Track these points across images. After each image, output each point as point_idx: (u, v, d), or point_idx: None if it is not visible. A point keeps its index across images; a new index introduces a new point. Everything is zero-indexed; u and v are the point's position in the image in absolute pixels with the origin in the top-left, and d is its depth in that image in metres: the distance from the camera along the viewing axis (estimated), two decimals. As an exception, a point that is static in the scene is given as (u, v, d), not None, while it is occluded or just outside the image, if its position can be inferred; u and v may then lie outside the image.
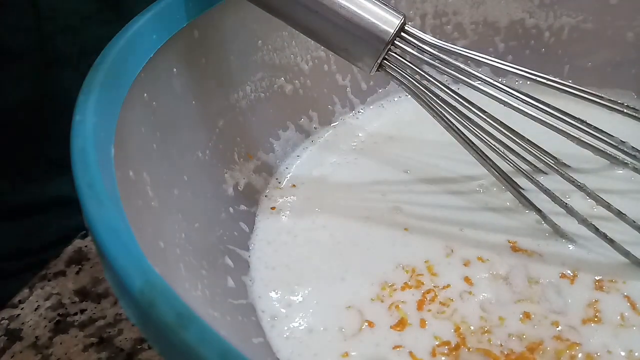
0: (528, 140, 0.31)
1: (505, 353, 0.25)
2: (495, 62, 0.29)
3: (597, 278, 0.28)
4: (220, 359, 0.13)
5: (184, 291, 0.22)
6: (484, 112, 0.29)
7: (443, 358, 0.25)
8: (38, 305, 0.33)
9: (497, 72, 0.32)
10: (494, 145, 0.31)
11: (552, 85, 0.30)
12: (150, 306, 0.15)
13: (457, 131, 0.29)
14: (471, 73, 0.28)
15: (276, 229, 0.32)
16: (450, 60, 0.28)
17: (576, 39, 0.41)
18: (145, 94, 0.25)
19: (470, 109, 0.29)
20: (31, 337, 0.31)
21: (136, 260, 0.16)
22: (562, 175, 0.29)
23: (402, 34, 0.27)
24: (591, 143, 0.30)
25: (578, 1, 0.40)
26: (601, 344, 0.25)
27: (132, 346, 0.30)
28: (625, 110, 0.31)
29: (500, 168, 0.30)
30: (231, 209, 0.31)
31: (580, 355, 0.24)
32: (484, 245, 0.30)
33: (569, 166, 0.34)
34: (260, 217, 0.33)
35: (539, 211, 0.30)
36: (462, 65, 0.28)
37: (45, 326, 0.31)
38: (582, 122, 0.30)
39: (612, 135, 0.30)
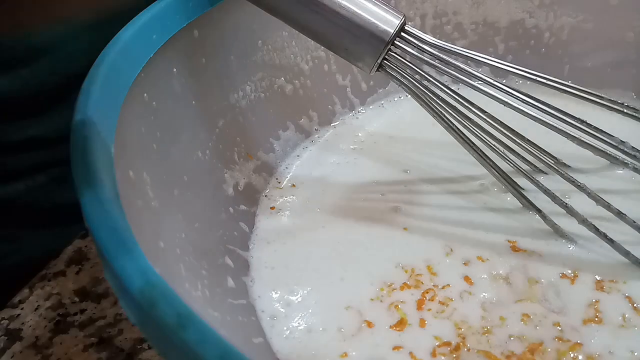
0: (528, 140, 0.31)
1: (506, 354, 0.25)
2: (495, 62, 0.29)
3: (597, 278, 0.28)
4: (220, 359, 0.13)
5: (184, 291, 0.22)
6: (484, 112, 0.29)
7: (443, 358, 0.25)
8: (38, 305, 0.33)
9: (497, 72, 0.32)
10: (494, 145, 0.31)
11: (552, 85, 0.30)
12: (150, 306, 0.15)
13: (457, 131, 0.29)
14: (471, 73, 0.28)
15: (276, 229, 0.32)
16: (450, 60, 0.28)
17: (576, 39, 0.41)
18: (145, 94, 0.25)
19: (470, 109, 0.29)
20: (31, 337, 0.31)
21: (136, 260, 0.16)
22: (562, 175, 0.29)
23: (402, 34, 0.27)
24: (591, 143, 0.30)
25: (578, 1, 0.40)
26: (603, 344, 0.25)
27: (132, 346, 0.30)
28: (625, 110, 0.31)
29: (500, 168, 0.30)
30: (231, 209, 0.31)
31: (581, 356, 0.24)
32: (484, 245, 0.30)
33: (569, 166, 0.34)
34: (260, 217, 0.33)
35: (539, 211, 0.30)
36: (462, 65, 0.28)
37: (45, 326, 0.31)
38: (582, 122, 0.30)
39: (612, 135, 0.30)
